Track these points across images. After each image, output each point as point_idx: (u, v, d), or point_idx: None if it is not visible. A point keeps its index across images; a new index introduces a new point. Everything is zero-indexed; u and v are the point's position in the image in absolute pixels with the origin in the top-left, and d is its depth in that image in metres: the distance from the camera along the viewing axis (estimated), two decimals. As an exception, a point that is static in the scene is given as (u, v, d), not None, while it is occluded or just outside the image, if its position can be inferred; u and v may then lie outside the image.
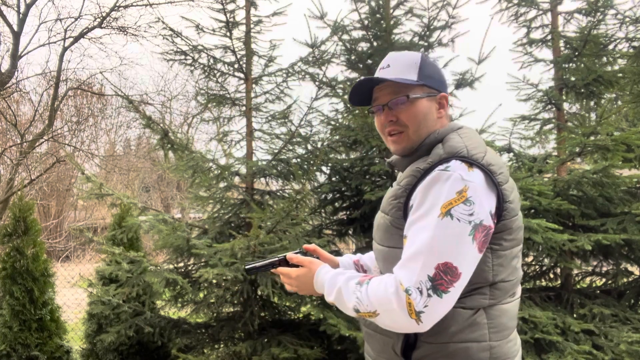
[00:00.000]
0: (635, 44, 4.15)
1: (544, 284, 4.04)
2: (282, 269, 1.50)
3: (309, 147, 4.19)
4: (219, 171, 4.06)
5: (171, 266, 3.94)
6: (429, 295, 1.19)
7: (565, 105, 4.16)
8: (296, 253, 1.53)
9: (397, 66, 1.40)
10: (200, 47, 4.10)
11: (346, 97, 4.06)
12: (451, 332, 1.26)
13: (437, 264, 1.19)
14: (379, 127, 1.45)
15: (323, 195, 4.23)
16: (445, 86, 1.44)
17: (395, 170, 1.58)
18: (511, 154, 4.11)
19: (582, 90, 3.97)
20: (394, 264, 1.29)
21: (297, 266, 1.49)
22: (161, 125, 4.10)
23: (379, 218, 1.41)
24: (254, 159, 4.17)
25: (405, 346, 1.30)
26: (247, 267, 1.54)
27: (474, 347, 1.26)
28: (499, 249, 1.28)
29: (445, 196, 1.22)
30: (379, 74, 1.42)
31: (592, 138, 3.55)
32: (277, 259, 1.53)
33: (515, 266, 1.33)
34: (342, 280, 1.33)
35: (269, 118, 4.24)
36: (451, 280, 1.19)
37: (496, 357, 1.29)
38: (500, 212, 1.26)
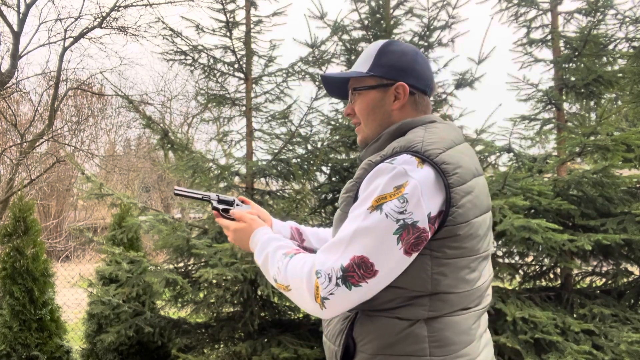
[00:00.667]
0: (635, 44, 4.15)
1: (544, 284, 4.03)
2: (222, 220, 1.49)
3: (309, 147, 4.19)
4: (219, 171, 4.06)
5: (171, 266, 3.95)
6: (337, 285, 1.14)
7: (565, 105, 4.16)
8: (226, 201, 1.54)
9: (359, 59, 1.39)
10: (200, 47, 4.10)
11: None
12: (387, 343, 1.19)
13: (353, 255, 1.14)
14: None
15: (323, 195, 4.23)
16: (409, 75, 1.33)
17: None
18: (511, 154, 4.11)
19: (582, 90, 3.97)
20: None
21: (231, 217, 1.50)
22: (161, 125, 4.10)
23: (336, 213, 1.35)
24: (254, 159, 4.18)
25: (345, 355, 1.24)
26: (176, 190, 1.56)
27: None
28: (441, 257, 1.18)
29: (381, 189, 1.15)
30: None
31: (592, 138, 3.55)
32: (209, 195, 1.54)
33: (464, 277, 1.21)
34: (272, 247, 1.31)
35: (269, 118, 4.24)
36: (364, 276, 1.14)
37: None
38: (444, 217, 1.16)
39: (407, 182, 1.14)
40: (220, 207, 1.54)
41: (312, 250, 1.54)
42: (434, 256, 1.18)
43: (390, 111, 1.33)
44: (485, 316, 1.34)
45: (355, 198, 1.24)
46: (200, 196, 1.55)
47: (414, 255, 1.15)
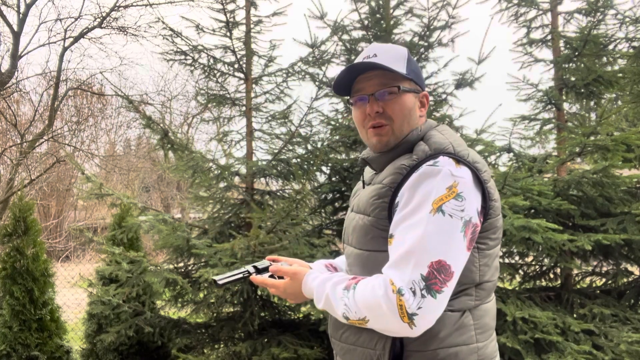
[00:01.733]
0: (635, 44, 4.14)
1: (544, 284, 4.03)
2: (268, 281, 1.41)
3: (309, 147, 4.18)
4: (219, 171, 4.06)
5: (171, 266, 3.95)
6: (422, 296, 1.11)
7: (565, 105, 4.16)
8: (261, 267, 1.48)
9: (385, 56, 1.31)
10: (200, 47, 4.10)
11: (347, 97, 4.05)
12: (440, 337, 1.19)
13: (430, 262, 1.12)
14: (360, 120, 1.35)
15: (323, 195, 4.23)
16: (424, 84, 1.41)
17: (365, 168, 1.49)
18: (511, 154, 4.11)
19: (582, 90, 3.97)
20: (375, 270, 1.21)
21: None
22: (161, 125, 4.10)
23: (355, 220, 1.32)
24: (254, 159, 4.17)
25: (392, 358, 1.20)
26: (218, 281, 1.45)
27: (464, 350, 1.21)
28: (485, 249, 1.24)
29: (436, 192, 1.16)
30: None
31: (592, 138, 3.55)
32: (246, 270, 1.48)
33: (497, 266, 1.31)
34: (329, 287, 1.25)
35: (269, 118, 4.24)
36: (445, 280, 1.13)
37: (483, 358, 1.24)
38: (486, 211, 1.23)
39: (457, 182, 1.17)
40: (267, 275, 1.48)
41: None
42: (480, 249, 1.23)
43: (418, 117, 1.35)
44: None
45: (391, 204, 1.23)
46: (241, 275, 1.48)
47: (471, 249, 1.20)
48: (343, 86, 1.38)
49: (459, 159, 1.22)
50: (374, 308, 1.14)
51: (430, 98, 4.06)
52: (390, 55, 1.32)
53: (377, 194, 1.26)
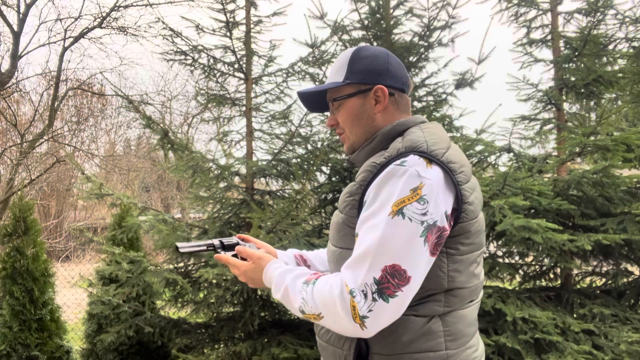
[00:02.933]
0: (635, 44, 4.14)
1: (544, 284, 4.03)
2: (231, 260, 1.41)
3: (309, 147, 4.19)
4: (219, 171, 4.06)
5: (171, 266, 3.95)
6: (374, 299, 1.10)
7: (565, 105, 4.16)
8: (230, 245, 1.48)
9: (332, 70, 1.38)
10: (200, 47, 4.10)
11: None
12: (404, 341, 1.18)
13: (384, 266, 1.11)
14: None
15: (323, 195, 4.23)
16: (385, 76, 1.32)
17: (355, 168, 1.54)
18: (511, 154, 4.11)
19: (582, 90, 3.97)
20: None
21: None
22: (161, 125, 4.10)
23: (334, 217, 1.33)
24: (254, 159, 4.18)
25: (357, 358, 1.21)
26: (180, 248, 1.47)
27: (430, 356, 1.19)
28: (456, 254, 1.19)
29: (398, 193, 1.13)
30: None
31: (592, 138, 3.55)
32: (212, 243, 1.48)
33: (473, 272, 1.25)
34: (289, 278, 1.25)
35: (269, 118, 4.24)
36: (399, 284, 1.11)
37: None
38: (458, 214, 1.18)
39: (423, 184, 1.13)
40: (230, 254, 1.48)
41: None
42: (449, 254, 1.19)
43: (373, 115, 1.32)
44: None
45: (360, 202, 1.22)
46: (204, 247, 1.49)
47: (437, 254, 1.16)
48: (315, 106, 1.46)
49: (430, 159, 1.18)
50: (329, 305, 1.15)
51: (430, 98, 4.07)
52: (335, 67, 1.37)
53: (349, 191, 1.26)
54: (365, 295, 1.11)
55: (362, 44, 1.25)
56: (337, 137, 4.10)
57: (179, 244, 1.47)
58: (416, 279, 1.13)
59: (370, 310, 1.11)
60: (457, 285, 1.21)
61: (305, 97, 1.42)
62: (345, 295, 1.12)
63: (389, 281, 1.11)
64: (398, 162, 1.17)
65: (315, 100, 1.43)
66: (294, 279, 1.25)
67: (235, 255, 1.45)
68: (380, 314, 1.11)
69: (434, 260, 1.16)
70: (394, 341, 1.19)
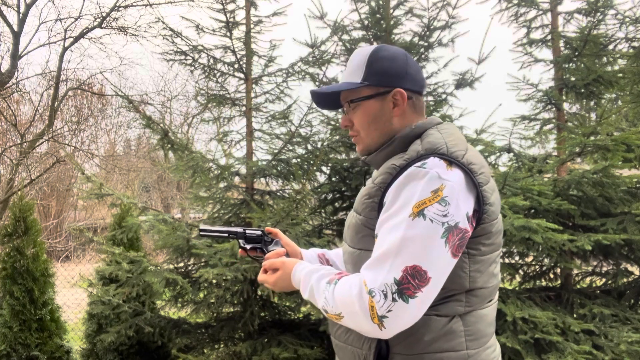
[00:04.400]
0: (635, 44, 4.14)
1: (544, 284, 4.03)
2: (262, 277, 1.44)
3: (309, 147, 4.19)
4: (219, 171, 4.06)
5: (171, 266, 3.94)
6: (393, 300, 1.10)
7: (565, 105, 4.16)
8: (254, 238, 1.52)
9: (348, 69, 1.35)
10: (200, 47, 4.10)
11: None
12: (425, 341, 1.18)
13: (405, 266, 1.11)
14: None
15: (323, 195, 4.22)
16: (404, 79, 1.31)
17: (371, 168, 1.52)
18: (511, 154, 4.11)
19: (582, 90, 3.97)
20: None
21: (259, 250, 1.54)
22: (161, 125, 4.10)
23: (351, 218, 1.33)
24: (254, 159, 4.18)
25: (378, 358, 1.21)
26: (202, 229, 1.54)
27: (452, 356, 1.19)
28: (477, 254, 1.20)
29: (419, 195, 1.13)
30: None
31: (592, 138, 3.55)
32: (234, 233, 1.52)
33: (492, 272, 1.25)
34: (315, 278, 1.27)
35: (269, 118, 4.24)
36: (419, 285, 1.11)
37: None
38: (479, 215, 1.18)
39: (444, 185, 1.13)
40: (249, 246, 1.52)
41: None
42: (471, 254, 1.19)
43: (391, 118, 1.31)
44: None
45: (380, 204, 1.22)
46: (226, 234, 1.52)
47: (459, 255, 1.16)
48: (325, 103, 1.44)
49: (451, 161, 1.17)
50: (348, 305, 1.15)
51: (430, 98, 4.07)
52: (352, 66, 1.34)
53: (367, 193, 1.26)
54: (385, 296, 1.11)
55: (375, 45, 1.24)
56: (337, 137, 4.11)
57: (201, 226, 1.53)
58: (437, 280, 1.13)
59: (389, 311, 1.11)
60: (478, 286, 1.21)
61: (319, 96, 1.40)
62: (364, 295, 1.12)
63: (410, 282, 1.11)
64: (418, 164, 1.17)
65: (328, 98, 1.41)
66: (319, 279, 1.26)
67: (258, 254, 1.51)
68: (399, 314, 1.11)
69: (456, 261, 1.16)
70: (416, 341, 1.19)
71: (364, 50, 1.34)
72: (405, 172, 1.18)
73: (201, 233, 1.52)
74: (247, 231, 1.51)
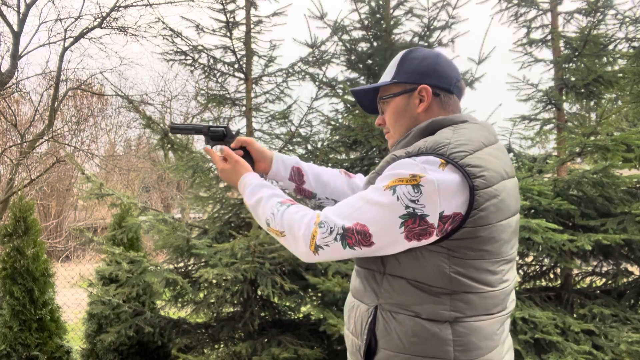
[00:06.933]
0: (635, 44, 4.14)
1: (544, 284, 4.03)
2: (211, 154, 1.58)
3: (309, 147, 4.19)
4: (219, 171, 4.05)
5: (171, 266, 3.94)
6: (335, 239, 1.21)
7: (565, 105, 4.16)
8: (218, 130, 1.64)
9: (385, 71, 1.45)
10: (200, 47, 4.10)
11: (346, 97, 4.07)
12: (408, 342, 1.20)
13: (357, 222, 1.20)
14: None
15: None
16: (431, 76, 1.35)
17: None
18: (511, 154, 4.11)
19: (582, 90, 3.97)
20: (365, 258, 1.28)
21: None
22: (161, 125, 4.10)
23: None
24: (254, 159, 4.17)
25: (367, 350, 1.26)
26: (171, 125, 1.69)
27: None
28: (461, 257, 1.18)
29: (398, 174, 1.18)
30: None
31: (592, 138, 3.55)
32: (200, 128, 1.66)
33: (485, 279, 1.22)
34: (266, 193, 1.38)
35: (269, 118, 4.24)
36: (360, 242, 1.19)
37: None
38: (464, 218, 1.17)
39: (425, 176, 1.16)
40: (212, 145, 1.65)
41: (309, 193, 1.66)
42: (451, 255, 1.19)
43: (417, 114, 1.36)
44: (509, 321, 1.35)
45: None
46: (193, 130, 1.67)
47: (414, 242, 1.18)
48: (370, 107, 1.54)
49: (447, 161, 1.17)
50: (294, 227, 1.26)
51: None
52: (387, 69, 1.44)
53: (367, 179, 1.33)
54: (331, 232, 1.21)
55: (411, 47, 1.32)
56: (337, 137, 4.12)
57: (172, 125, 1.69)
58: (378, 248, 1.20)
59: (327, 245, 1.22)
60: (462, 289, 1.20)
61: (360, 98, 1.50)
62: (312, 225, 1.23)
63: (354, 234, 1.20)
64: (413, 157, 1.22)
65: (370, 102, 1.50)
66: (270, 196, 1.38)
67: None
68: (332, 252, 1.22)
69: (411, 246, 1.19)
70: (399, 340, 1.22)
71: (400, 52, 1.43)
72: (398, 160, 1.24)
73: (171, 129, 1.68)
74: (210, 128, 1.65)
